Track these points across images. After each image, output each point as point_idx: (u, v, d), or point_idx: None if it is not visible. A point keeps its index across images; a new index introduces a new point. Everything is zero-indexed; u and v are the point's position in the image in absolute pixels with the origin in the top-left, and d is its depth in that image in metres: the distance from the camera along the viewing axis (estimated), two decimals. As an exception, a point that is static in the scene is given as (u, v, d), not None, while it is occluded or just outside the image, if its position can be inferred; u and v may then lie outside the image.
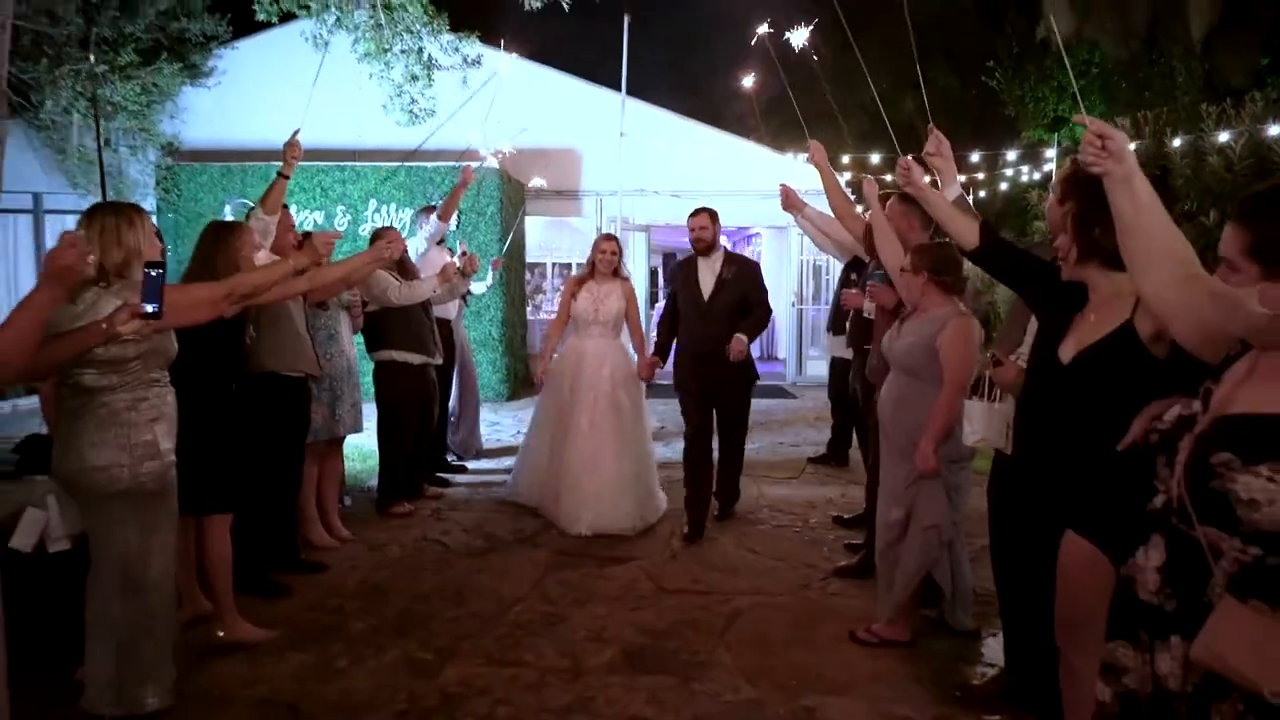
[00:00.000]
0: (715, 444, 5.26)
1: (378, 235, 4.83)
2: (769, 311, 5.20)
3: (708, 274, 5.10)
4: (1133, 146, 1.65)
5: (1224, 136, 10.16)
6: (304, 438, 4.33)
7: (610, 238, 5.61)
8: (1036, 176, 14.53)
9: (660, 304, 20.03)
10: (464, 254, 5.88)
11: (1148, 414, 1.72)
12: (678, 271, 5.29)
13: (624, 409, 5.26)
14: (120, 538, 2.79)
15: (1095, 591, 1.99)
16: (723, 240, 5.37)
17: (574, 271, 16.38)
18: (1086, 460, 2.13)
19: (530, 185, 10.06)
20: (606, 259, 5.42)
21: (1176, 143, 11.78)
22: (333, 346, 4.67)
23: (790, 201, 4.86)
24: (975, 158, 14.74)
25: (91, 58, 8.32)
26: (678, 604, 4.04)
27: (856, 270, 5.04)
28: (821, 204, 5.04)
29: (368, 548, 4.77)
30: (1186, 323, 1.66)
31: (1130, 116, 15.38)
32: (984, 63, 19.33)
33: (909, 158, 3.00)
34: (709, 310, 5.02)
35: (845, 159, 12.74)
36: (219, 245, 3.45)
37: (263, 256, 3.88)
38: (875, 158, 13.19)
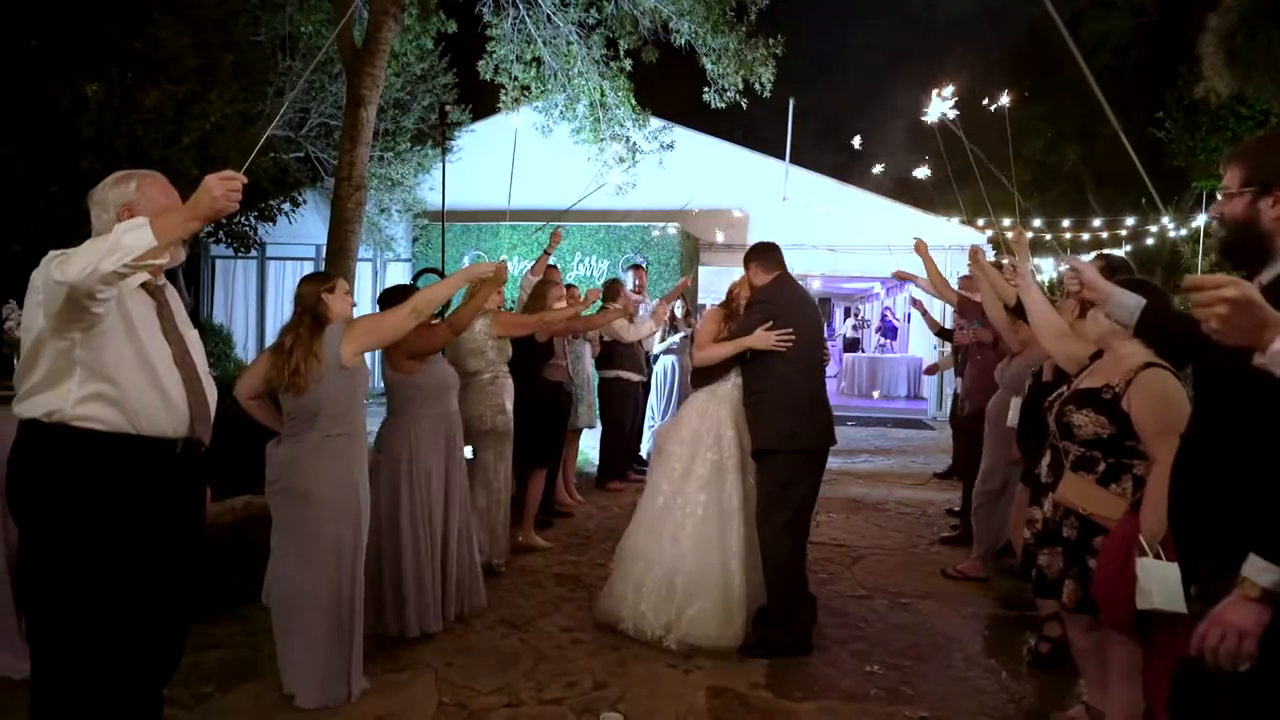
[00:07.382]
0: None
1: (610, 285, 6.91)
2: None
3: None
4: None
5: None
6: (564, 427, 6.30)
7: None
8: (1183, 233, 15.15)
9: (833, 342, 21.15)
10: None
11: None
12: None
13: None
14: (483, 458, 4.83)
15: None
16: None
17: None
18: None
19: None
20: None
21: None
22: (578, 365, 6.67)
23: (901, 275, 6.31)
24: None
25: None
26: (819, 551, 5.69)
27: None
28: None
29: (595, 507, 6.70)
30: (1061, 358, 3.27)
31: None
32: (1154, 114, 19.76)
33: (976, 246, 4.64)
34: None
35: (1008, 221, 13.90)
36: (537, 294, 5.50)
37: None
38: (1005, 221, 14.22)
